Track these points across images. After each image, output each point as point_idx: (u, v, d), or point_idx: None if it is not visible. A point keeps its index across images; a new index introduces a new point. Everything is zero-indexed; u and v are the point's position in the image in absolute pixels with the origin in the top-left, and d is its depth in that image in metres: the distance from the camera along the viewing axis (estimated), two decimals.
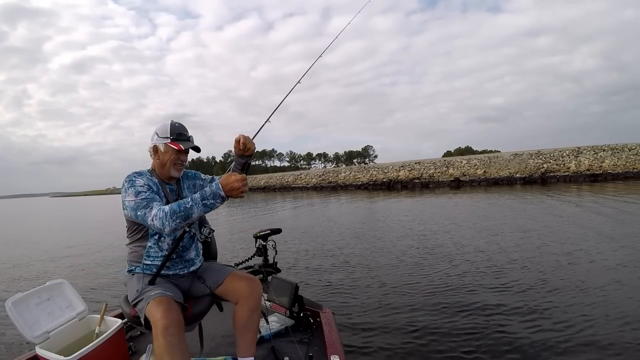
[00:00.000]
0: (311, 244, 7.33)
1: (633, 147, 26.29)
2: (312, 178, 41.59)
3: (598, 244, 5.79)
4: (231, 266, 2.04)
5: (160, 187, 1.71)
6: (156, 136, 1.70)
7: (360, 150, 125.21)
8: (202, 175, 1.95)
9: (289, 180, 43.90)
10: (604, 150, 26.90)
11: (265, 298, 2.51)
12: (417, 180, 30.38)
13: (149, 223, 1.52)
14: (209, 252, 2.03)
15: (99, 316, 1.97)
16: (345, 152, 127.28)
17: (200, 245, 1.89)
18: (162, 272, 1.68)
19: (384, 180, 32.37)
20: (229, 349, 2.00)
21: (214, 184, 1.50)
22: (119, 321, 1.90)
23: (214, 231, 1.89)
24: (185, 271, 1.76)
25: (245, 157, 1.63)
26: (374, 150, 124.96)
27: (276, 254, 3.04)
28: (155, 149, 1.72)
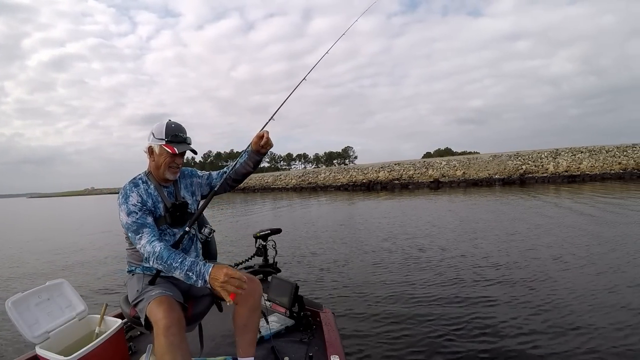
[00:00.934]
0: (311, 244, 7.33)
1: (610, 149, 27.05)
2: (291, 179, 41.45)
3: (577, 242, 5.90)
4: (231, 266, 2.03)
5: (157, 192, 1.68)
6: (152, 136, 1.65)
7: (341, 151, 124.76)
8: (199, 173, 1.91)
9: (269, 181, 43.51)
10: (581, 152, 27.58)
11: (265, 298, 2.51)
12: (397, 181, 30.51)
13: (137, 247, 1.55)
14: (209, 252, 2.03)
15: (99, 316, 1.97)
16: (325, 153, 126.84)
17: (200, 246, 1.88)
18: (162, 274, 1.67)
19: (364, 181, 32.42)
20: (229, 349, 2.00)
21: (207, 266, 1.44)
22: (119, 321, 1.90)
23: (214, 231, 1.88)
24: None
25: (262, 154, 1.65)
26: (354, 151, 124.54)
27: (276, 254, 3.04)
28: (150, 150, 1.67)
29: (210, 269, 1.42)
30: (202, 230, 1.82)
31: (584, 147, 29.05)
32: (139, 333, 2.29)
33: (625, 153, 26.25)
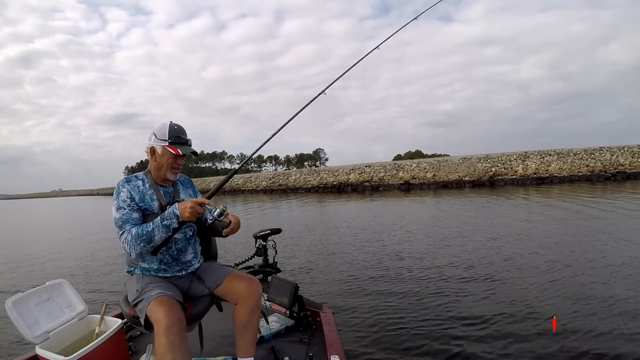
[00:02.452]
0: (311, 245, 7.33)
1: (578, 152, 27.78)
2: (262, 181, 41.12)
3: (542, 242, 5.94)
4: (231, 266, 2.03)
5: (152, 190, 1.70)
6: (154, 137, 1.68)
7: (312, 153, 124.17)
8: (195, 188, 1.94)
9: (239, 183, 43.06)
10: (550, 155, 28.09)
11: (265, 298, 2.51)
12: (367, 183, 30.46)
13: (121, 244, 1.56)
14: (209, 252, 2.03)
15: (99, 316, 1.97)
16: (296, 154, 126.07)
17: (198, 247, 1.88)
18: (160, 274, 1.69)
19: (335, 183, 32.31)
20: (228, 349, 2.00)
21: (173, 206, 1.55)
22: (119, 321, 1.90)
23: (226, 210, 1.58)
24: (184, 272, 1.76)
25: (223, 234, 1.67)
26: (325, 153, 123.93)
27: (276, 254, 3.04)
28: (152, 151, 1.70)
29: (177, 205, 1.53)
30: (213, 212, 1.57)
31: (552, 150, 29.61)
32: (139, 333, 2.29)
33: (592, 156, 27.05)
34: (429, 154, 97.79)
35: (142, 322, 1.53)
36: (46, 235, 12.72)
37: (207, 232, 1.92)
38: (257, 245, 3.08)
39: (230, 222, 1.61)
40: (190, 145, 1.73)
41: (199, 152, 1.76)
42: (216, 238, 2.11)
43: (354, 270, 5.11)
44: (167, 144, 1.65)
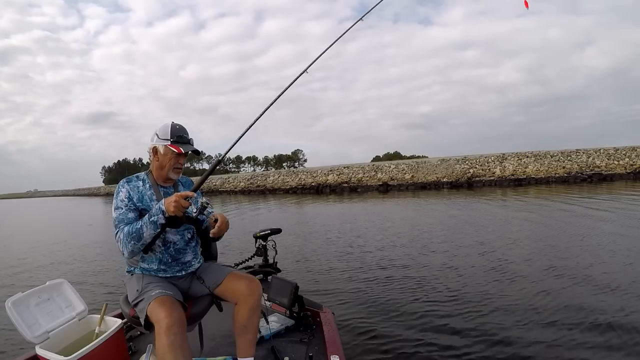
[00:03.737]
0: (311, 245, 7.33)
1: (554, 154, 28.25)
2: (240, 182, 40.82)
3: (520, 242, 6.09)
4: (231, 266, 2.03)
5: (152, 191, 1.71)
6: (156, 137, 1.70)
7: (290, 154, 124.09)
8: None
9: (217, 183, 42.80)
10: (527, 157, 28.48)
11: (265, 298, 2.51)
12: (346, 184, 30.36)
13: (116, 243, 1.57)
14: (209, 252, 2.03)
15: (99, 316, 1.97)
16: (275, 155, 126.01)
17: (198, 248, 1.88)
18: (160, 274, 1.70)
19: (313, 184, 32.08)
20: (229, 349, 2.00)
21: (160, 202, 1.55)
22: (119, 321, 1.90)
23: (209, 204, 1.59)
24: (183, 272, 1.76)
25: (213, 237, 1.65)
26: (303, 154, 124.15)
27: (276, 254, 3.04)
28: (154, 150, 1.71)
29: (163, 201, 1.54)
30: (196, 204, 1.56)
31: (529, 152, 29.88)
32: (139, 333, 2.29)
33: (569, 158, 27.49)
34: (408, 155, 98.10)
35: (143, 322, 1.54)
36: (46, 235, 12.72)
37: (203, 236, 1.91)
38: (257, 245, 3.08)
39: (216, 219, 1.60)
40: (192, 144, 1.75)
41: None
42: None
43: (354, 270, 5.10)
44: (169, 143, 1.67)
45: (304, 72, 2.20)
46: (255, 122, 1.94)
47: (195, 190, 1.62)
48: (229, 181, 43.47)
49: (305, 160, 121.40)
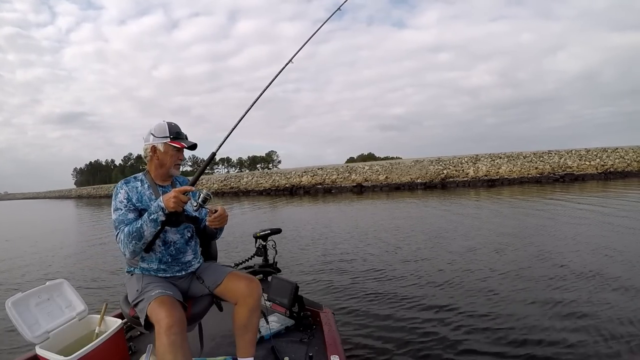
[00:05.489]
0: (311, 245, 7.33)
1: (527, 155, 28.58)
2: (213, 183, 40.38)
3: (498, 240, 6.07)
4: (231, 266, 2.04)
5: (150, 190, 1.72)
6: (152, 136, 1.71)
7: (264, 155, 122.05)
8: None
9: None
10: (500, 158, 28.75)
11: (265, 298, 2.51)
12: (320, 186, 30.21)
13: (117, 245, 1.58)
14: (209, 252, 2.03)
15: (99, 316, 1.97)
16: (249, 157, 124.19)
17: (198, 248, 1.88)
18: (160, 274, 1.70)
19: (287, 185, 31.94)
20: (228, 349, 2.00)
21: (158, 199, 1.55)
22: (119, 321, 1.90)
23: (210, 196, 1.60)
24: (183, 272, 1.76)
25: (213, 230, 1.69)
26: (277, 156, 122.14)
27: (276, 254, 3.04)
28: (153, 150, 1.72)
29: (162, 197, 1.53)
30: (197, 198, 1.57)
31: (502, 153, 30.12)
32: (139, 333, 2.29)
33: (541, 159, 27.72)
34: (382, 156, 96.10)
35: (143, 322, 1.54)
36: (44, 236, 12.72)
37: (202, 236, 1.91)
38: (257, 245, 3.08)
39: (216, 210, 1.63)
40: (188, 140, 1.78)
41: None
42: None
43: (354, 270, 5.10)
44: (169, 140, 1.69)
45: (289, 61, 2.28)
46: (245, 114, 2.01)
47: (192, 185, 1.65)
48: (202, 183, 43.15)
49: (279, 162, 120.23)
